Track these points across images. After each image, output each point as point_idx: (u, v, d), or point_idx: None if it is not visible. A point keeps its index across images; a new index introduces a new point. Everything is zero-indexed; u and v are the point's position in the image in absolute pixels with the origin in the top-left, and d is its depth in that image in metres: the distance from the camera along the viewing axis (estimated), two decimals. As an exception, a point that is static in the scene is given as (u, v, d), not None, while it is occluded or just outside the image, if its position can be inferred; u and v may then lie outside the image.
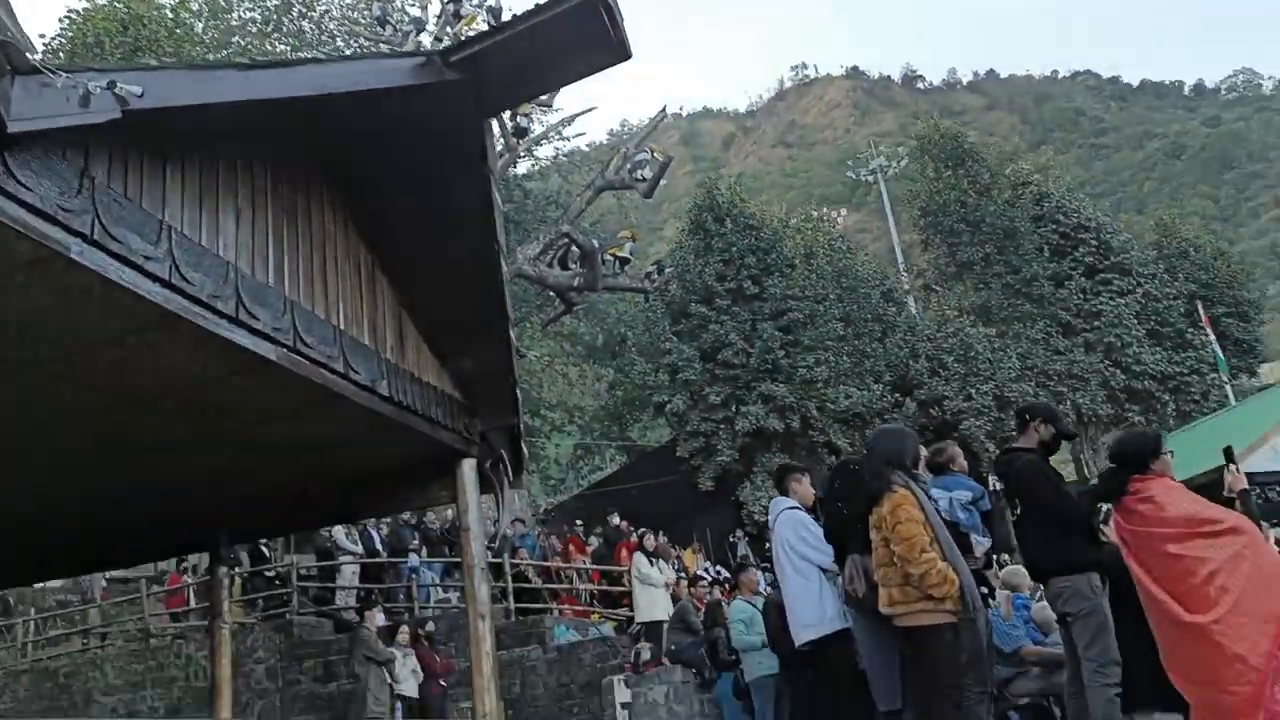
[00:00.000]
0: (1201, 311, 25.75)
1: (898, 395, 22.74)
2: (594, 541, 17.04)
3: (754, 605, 8.08)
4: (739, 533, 19.77)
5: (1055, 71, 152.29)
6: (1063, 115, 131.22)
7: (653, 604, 10.83)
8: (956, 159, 29.85)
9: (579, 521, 18.87)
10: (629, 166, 23.24)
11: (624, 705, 8.61)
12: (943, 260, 29.47)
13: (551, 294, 23.41)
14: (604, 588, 15.06)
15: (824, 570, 5.45)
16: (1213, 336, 25.22)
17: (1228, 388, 25.43)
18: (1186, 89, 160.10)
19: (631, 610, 12.06)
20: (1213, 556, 4.12)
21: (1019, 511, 4.95)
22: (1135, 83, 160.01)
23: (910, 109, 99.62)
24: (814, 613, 5.45)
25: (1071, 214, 28.66)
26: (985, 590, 5.34)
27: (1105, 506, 4.85)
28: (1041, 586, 5.51)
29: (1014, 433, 5.36)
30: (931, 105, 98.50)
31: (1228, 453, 4.90)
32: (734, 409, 21.40)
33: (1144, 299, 27.40)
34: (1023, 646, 6.18)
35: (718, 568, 15.19)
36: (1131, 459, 4.52)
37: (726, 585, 11.79)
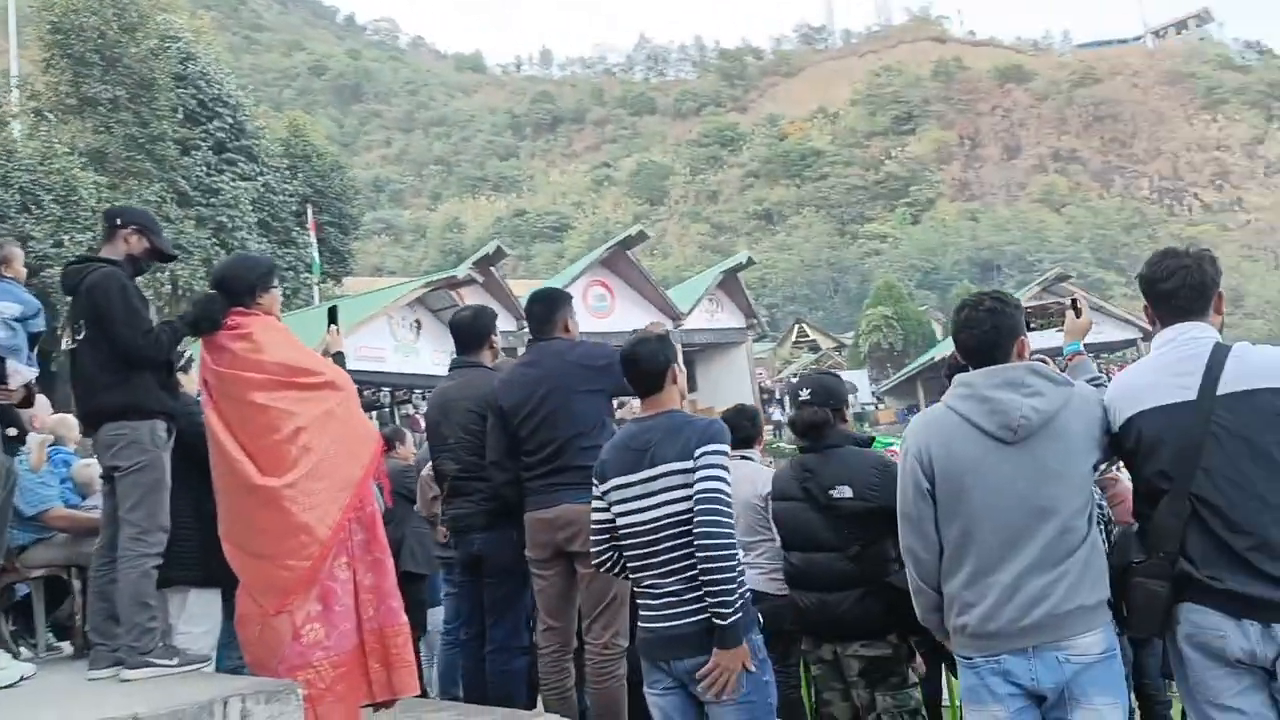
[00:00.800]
0: (311, 215, 26.91)
1: (-23, 225, 19.03)
2: None
3: None
4: None
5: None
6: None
7: None
8: (105, -15, 26.07)
9: None
10: None
11: None
12: (64, 90, 25.50)
13: None
14: None
15: None
16: (315, 240, 26.63)
17: (316, 289, 27.25)
18: (340, 17, 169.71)
19: None
20: (303, 411, 3.61)
21: (79, 336, 3.83)
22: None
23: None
24: None
25: (215, 84, 27.49)
26: (14, 433, 4.11)
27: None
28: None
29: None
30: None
31: (332, 313, 4.54)
32: None
33: (263, 189, 27.64)
34: (51, 509, 5.03)
35: None
36: (235, 287, 3.81)
37: None
